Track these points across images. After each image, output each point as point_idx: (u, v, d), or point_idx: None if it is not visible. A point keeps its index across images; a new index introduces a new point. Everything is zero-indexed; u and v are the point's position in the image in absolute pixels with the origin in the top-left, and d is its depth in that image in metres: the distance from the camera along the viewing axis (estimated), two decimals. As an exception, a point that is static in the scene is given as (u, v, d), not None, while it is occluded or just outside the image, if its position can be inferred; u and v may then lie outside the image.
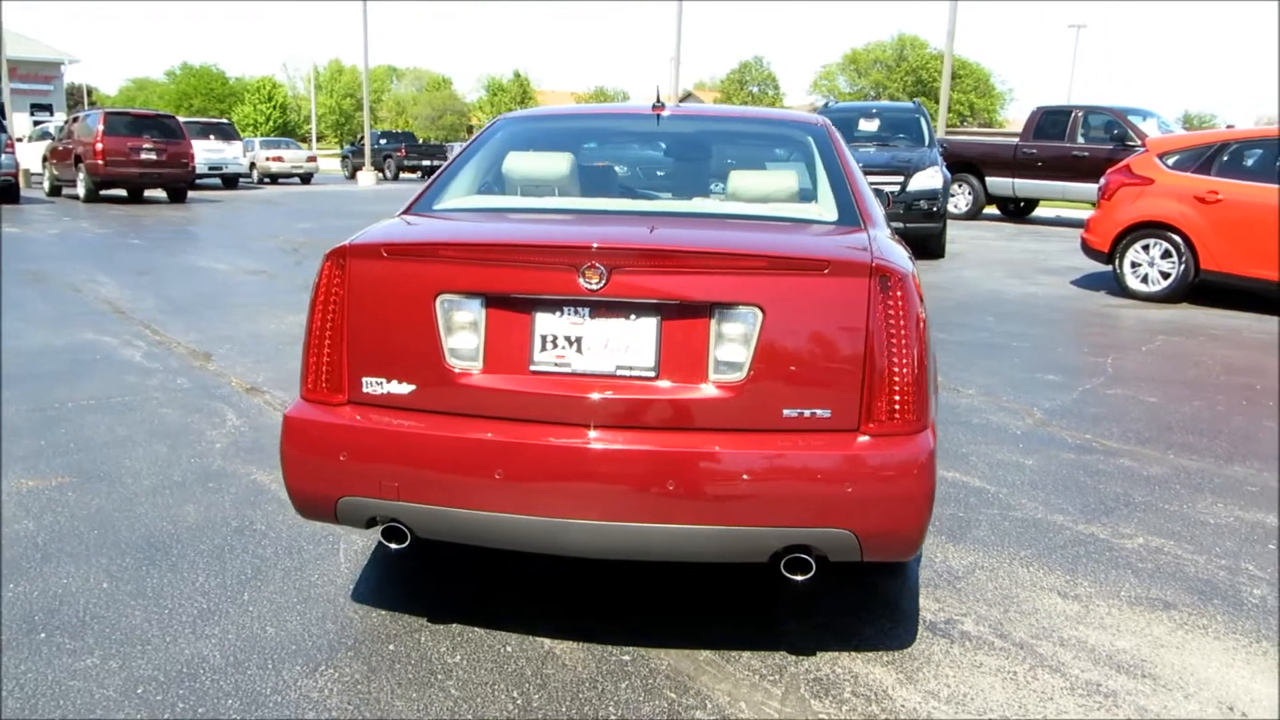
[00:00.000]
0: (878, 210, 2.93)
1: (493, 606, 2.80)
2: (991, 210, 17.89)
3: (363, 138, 35.83)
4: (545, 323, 2.31)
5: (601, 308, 2.29)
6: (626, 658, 2.54)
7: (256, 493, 3.60)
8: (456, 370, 2.34)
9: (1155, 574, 3.14)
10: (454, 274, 2.34)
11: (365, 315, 2.39)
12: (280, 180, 28.55)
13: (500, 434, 2.28)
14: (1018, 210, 17.47)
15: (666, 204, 2.99)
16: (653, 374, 2.27)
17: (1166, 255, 8.20)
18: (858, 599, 2.90)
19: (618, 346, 2.29)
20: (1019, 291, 9.11)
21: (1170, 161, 8.24)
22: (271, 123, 66.42)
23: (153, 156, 18.26)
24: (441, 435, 2.30)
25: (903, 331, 2.27)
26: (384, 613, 2.74)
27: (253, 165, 27.50)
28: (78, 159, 18.41)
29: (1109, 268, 8.74)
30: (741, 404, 2.26)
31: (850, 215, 2.76)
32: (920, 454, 2.26)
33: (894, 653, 2.61)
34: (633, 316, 2.28)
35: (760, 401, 2.26)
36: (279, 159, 28.07)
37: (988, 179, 16.04)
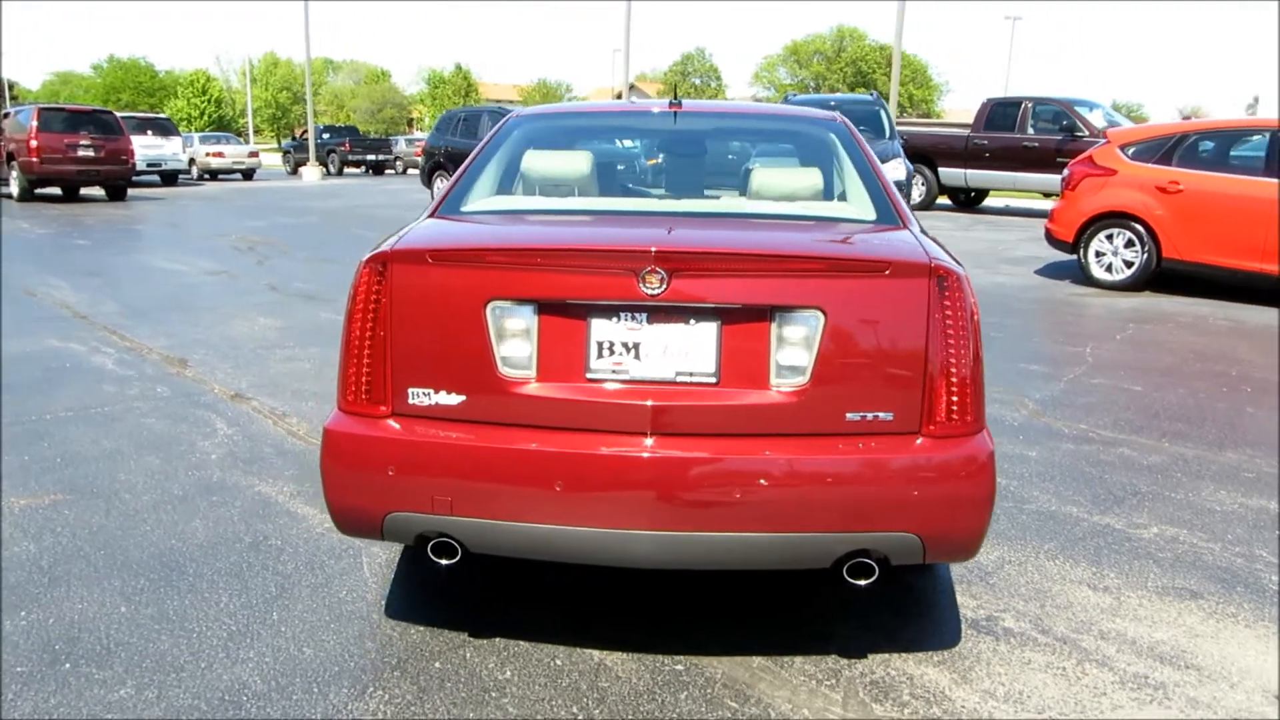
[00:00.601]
0: (908, 208, 2.92)
1: (531, 618, 2.73)
2: (943, 200, 18.16)
3: (304, 132, 35.07)
4: (601, 329, 2.25)
5: (660, 312, 2.24)
6: (680, 667, 2.51)
7: (264, 506, 3.48)
8: (509, 379, 2.27)
9: (1176, 563, 3.19)
10: (505, 280, 2.26)
11: (411, 324, 2.31)
12: (220, 177, 27.78)
13: (559, 444, 2.22)
14: (968, 200, 17.77)
15: (699, 204, 2.95)
16: (714, 380, 2.23)
17: (1130, 244, 8.40)
18: (895, 599, 2.90)
19: (677, 352, 2.24)
20: (986, 282, 9.25)
21: (1131, 152, 8.43)
22: (206, 117, 64.68)
23: (90, 153, 17.63)
24: (498, 447, 2.23)
25: (961, 332, 2.26)
26: (422, 629, 2.67)
27: (192, 161, 26.73)
28: (10, 157, 17.70)
29: (1073, 257, 8.91)
30: (804, 408, 2.23)
31: (888, 214, 2.75)
32: (981, 455, 2.26)
33: (943, 652, 2.62)
34: (692, 321, 2.24)
35: (823, 405, 2.23)
36: (220, 155, 27.30)
37: (940, 169, 16.27)
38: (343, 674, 2.44)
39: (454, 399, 2.29)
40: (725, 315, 2.23)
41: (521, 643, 2.60)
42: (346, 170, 33.59)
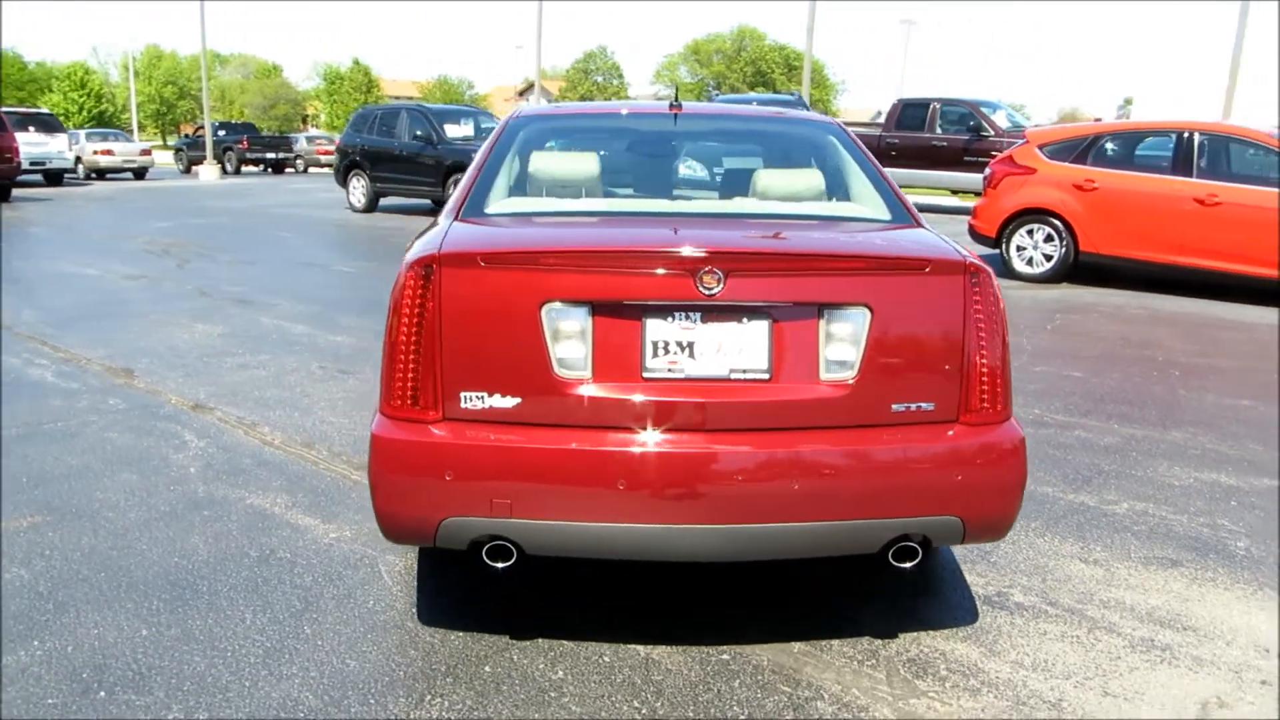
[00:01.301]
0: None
1: (566, 617, 2.76)
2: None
3: (198, 129, 33.69)
4: (656, 329, 2.29)
5: (713, 312, 2.29)
6: (726, 657, 2.57)
7: (261, 518, 3.39)
8: (566, 380, 2.29)
9: (1151, 535, 3.42)
10: (560, 282, 2.28)
11: (463, 327, 2.30)
12: (109, 176, 26.45)
13: (620, 443, 2.25)
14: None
15: (719, 205, 3.00)
16: (767, 376, 2.30)
17: (1049, 239, 8.83)
18: (909, 580, 3.03)
19: (731, 350, 2.30)
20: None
21: (1048, 152, 8.87)
22: (86, 112, 61.32)
23: (-29, 153, 16.59)
24: (561, 448, 2.25)
25: (992, 324, 2.39)
26: (462, 634, 2.66)
27: (78, 160, 25.38)
28: (-120, 156, 16.52)
29: (995, 251, 9.32)
30: (853, 401, 2.32)
31: (902, 214, 2.87)
32: (1015, 440, 2.40)
33: (966, 628, 2.75)
34: (744, 319, 2.30)
35: (870, 398, 2.33)
36: (109, 153, 25.95)
37: None
38: (395, 684, 2.42)
39: (509, 402, 2.30)
40: (776, 313, 2.30)
41: (565, 642, 2.62)
42: (244, 169, 32.44)
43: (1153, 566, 3.18)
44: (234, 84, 75.73)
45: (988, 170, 9.37)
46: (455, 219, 2.76)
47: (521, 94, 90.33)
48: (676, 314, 2.29)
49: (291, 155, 33.49)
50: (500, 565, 2.38)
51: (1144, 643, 2.70)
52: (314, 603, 2.81)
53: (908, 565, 2.43)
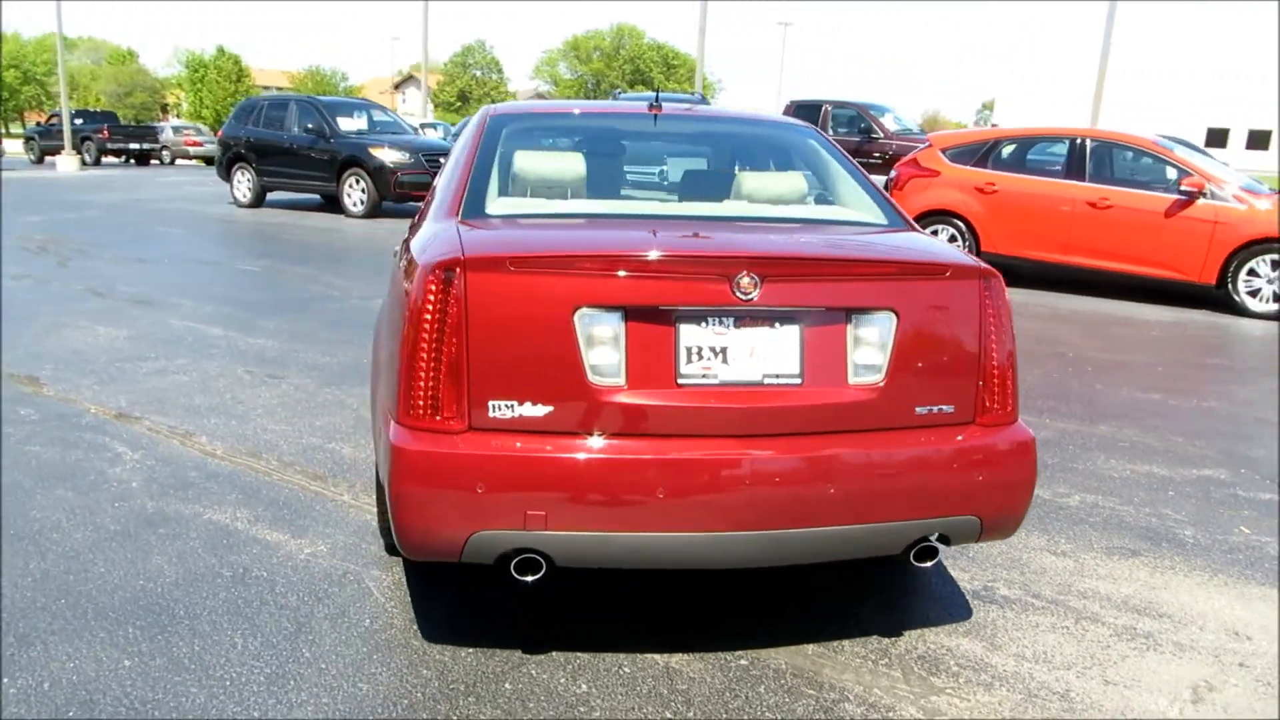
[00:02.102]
0: None
1: (577, 628, 2.70)
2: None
3: (53, 117, 31.50)
4: (690, 334, 2.26)
5: (746, 317, 2.28)
6: (744, 662, 2.57)
7: (224, 534, 3.19)
8: (600, 387, 2.24)
9: (1106, 526, 3.60)
10: (594, 286, 2.23)
11: (491, 333, 2.22)
12: (-47, 165, 24.45)
13: (658, 451, 2.22)
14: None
15: (717, 207, 2.99)
16: (799, 381, 2.31)
17: (953, 239, 9.21)
18: (897, 579, 3.10)
19: (763, 355, 2.30)
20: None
21: (950, 155, 9.25)
22: (-83, 98, 56.46)
23: None
24: (599, 458, 2.20)
25: (1003, 327, 2.46)
26: (472, 650, 2.57)
27: (-83, 148, 23.34)
28: None
29: (901, 251, 9.66)
30: (880, 405, 2.35)
31: (896, 217, 2.93)
32: (1029, 439, 2.48)
33: (964, 624, 2.83)
34: (776, 325, 2.30)
35: (896, 401, 2.36)
36: (-48, 140, 23.96)
37: None
38: (415, 706, 2.31)
39: (540, 410, 2.23)
40: (807, 318, 2.31)
41: (581, 654, 2.57)
42: (105, 160, 30.51)
43: (1115, 556, 3.34)
44: (84, 70, 71.00)
45: (893, 173, 9.70)
46: (456, 219, 2.65)
47: (398, 87, 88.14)
48: (710, 319, 2.27)
49: (157, 146, 31.65)
50: (530, 579, 2.30)
51: (1127, 631, 2.84)
52: (306, 624, 2.66)
53: (928, 564, 2.48)
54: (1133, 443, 4.63)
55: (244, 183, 15.10)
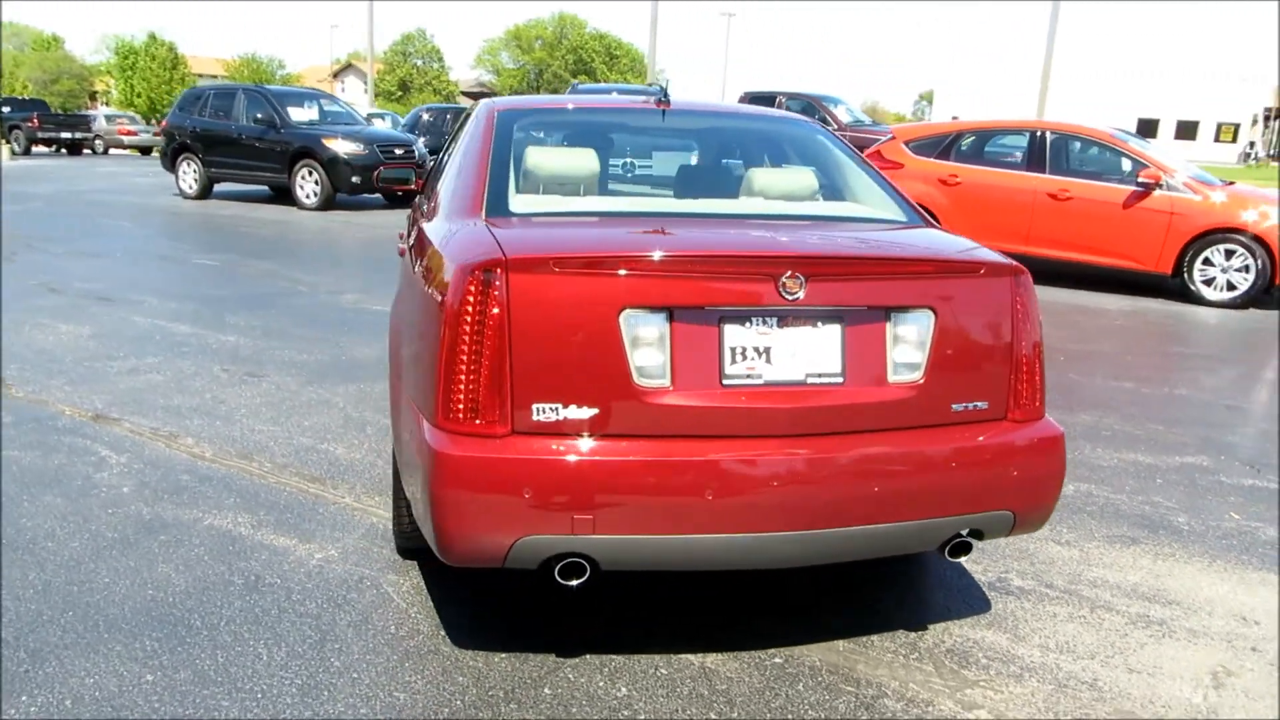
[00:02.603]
0: None
1: (606, 630, 2.67)
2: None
3: (-22, 104, 30.22)
4: (734, 334, 2.25)
5: (789, 317, 2.27)
6: (779, 660, 2.57)
7: (228, 541, 3.10)
8: (645, 389, 2.21)
9: (1103, 515, 3.68)
10: (639, 287, 2.20)
11: (535, 335, 2.17)
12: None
13: (705, 452, 2.20)
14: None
15: (749, 205, 2.96)
16: (840, 380, 2.31)
17: (918, 232, 9.33)
18: (913, 573, 3.13)
19: (806, 355, 2.29)
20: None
21: (913, 147, 9.36)
22: None
23: None
24: (649, 460, 2.17)
25: (1032, 323, 2.49)
26: (504, 655, 2.53)
27: None
28: None
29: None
30: (919, 402, 2.36)
31: (913, 214, 2.95)
32: (1059, 434, 2.52)
33: (985, 616, 2.87)
34: (819, 324, 2.29)
35: (935, 398, 2.38)
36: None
37: None
38: (456, 715, 2.27)
39: (585, 413, 2.19)
40: (848, 317, 2.31)
41: (615, 656, 2.54)
42: (35, 149, 29.43)
43: (1117, 545, 3.42)
44: (6, 56, 68.33)
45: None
46: (479, 218, 2.59)
47: (337, 75, 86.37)
48: (755, 319, 2.26)
49: (90, 135, 30.61)
50: (574, 583, 2.27)
51: (1142, 619, 2.90)
52: (330, 632, 2.59)
53: (962, 559, 2.51)
54: (1115, 431, 4.74)
55: (190, 174, 14.66)
